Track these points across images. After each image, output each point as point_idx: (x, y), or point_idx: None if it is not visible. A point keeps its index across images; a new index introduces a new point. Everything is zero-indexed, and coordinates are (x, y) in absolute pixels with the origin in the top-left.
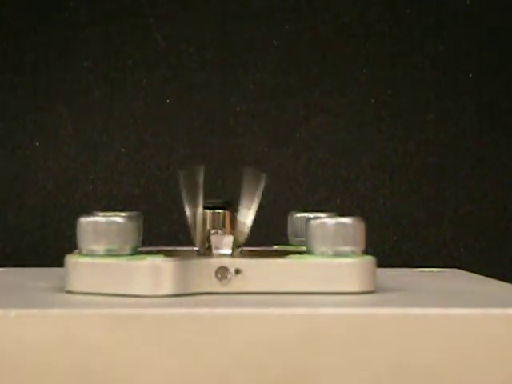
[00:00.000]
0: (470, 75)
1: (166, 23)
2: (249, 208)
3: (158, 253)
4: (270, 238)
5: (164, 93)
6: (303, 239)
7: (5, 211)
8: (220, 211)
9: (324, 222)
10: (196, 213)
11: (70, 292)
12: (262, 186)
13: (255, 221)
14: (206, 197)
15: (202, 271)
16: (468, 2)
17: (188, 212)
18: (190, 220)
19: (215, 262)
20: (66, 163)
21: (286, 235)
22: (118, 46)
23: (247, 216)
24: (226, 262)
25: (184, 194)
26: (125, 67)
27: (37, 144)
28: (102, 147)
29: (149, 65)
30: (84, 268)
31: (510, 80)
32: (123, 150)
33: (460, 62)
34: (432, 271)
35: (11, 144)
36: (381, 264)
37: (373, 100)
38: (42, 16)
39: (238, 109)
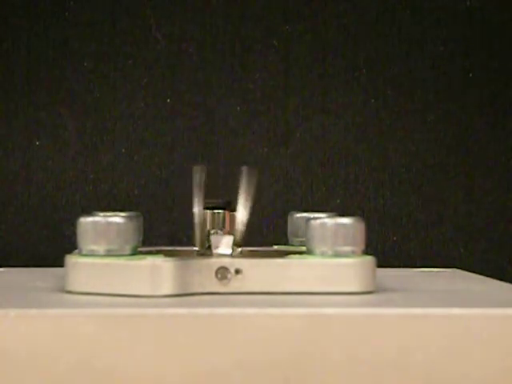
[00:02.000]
0: (470, 75)
1: (166, 23)
2: (244, 206)
3: (157, 253)
4: (269, 237)
5: (164, 93)
6: (303, 239)
7: (5, 211)
8: (220, 211)
9: (324, 222)
10: (197, 212)
11: (69, 292)
12: (255, 182)
13: (255, 221)
14: (206, 197)
15: (202, 271)
16: (468, 3)
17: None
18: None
19: (215, 262)
20: (66, 163)
21: (285, 235)
22: (118, 45)
23: (243, 214)
24: (226, 262)
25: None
26: (125, 67)
27: (37, 144)
28: (102, 147)
29: (149, 65)
30: (84, 268)
31: (510, 80)
32: (123, 150)
33: (460, 61)
34: (432, 271)
35: (11, 144)
36: (381, 264)
37: (373, 100)
38: (42, 16)
39: (238, 109)
